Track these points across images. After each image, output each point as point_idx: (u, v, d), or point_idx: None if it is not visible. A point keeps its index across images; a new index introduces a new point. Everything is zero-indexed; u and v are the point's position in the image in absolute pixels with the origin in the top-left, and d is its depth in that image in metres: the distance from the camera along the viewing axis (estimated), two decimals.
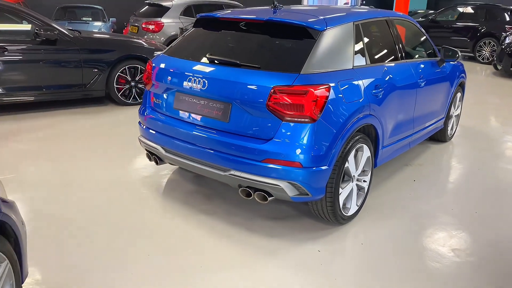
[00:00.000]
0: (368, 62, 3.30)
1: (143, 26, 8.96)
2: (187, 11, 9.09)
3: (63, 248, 2.82)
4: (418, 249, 2.96)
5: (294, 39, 2.97)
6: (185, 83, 3.02)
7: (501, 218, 3.43)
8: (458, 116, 5.36)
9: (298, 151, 2.70)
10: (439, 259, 2.85)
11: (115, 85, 6.22)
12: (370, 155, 3.27)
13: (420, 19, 14.50)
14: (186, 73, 3.04)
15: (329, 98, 2.75)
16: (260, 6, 8.12)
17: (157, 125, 3.26)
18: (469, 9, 13.27)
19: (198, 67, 3.03)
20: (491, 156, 4.84)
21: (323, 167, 2.79)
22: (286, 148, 2.70)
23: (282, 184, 2.74)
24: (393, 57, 3.69)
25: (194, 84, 2.97)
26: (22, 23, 5.87)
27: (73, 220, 3.17)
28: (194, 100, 3.03)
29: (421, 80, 3.92)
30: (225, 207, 3.41)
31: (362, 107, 3.02)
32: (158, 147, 3.26)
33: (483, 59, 12.35)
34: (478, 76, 10.56)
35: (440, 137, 5.07)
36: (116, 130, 5.31)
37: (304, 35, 2.93)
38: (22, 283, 2.14)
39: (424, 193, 3.83)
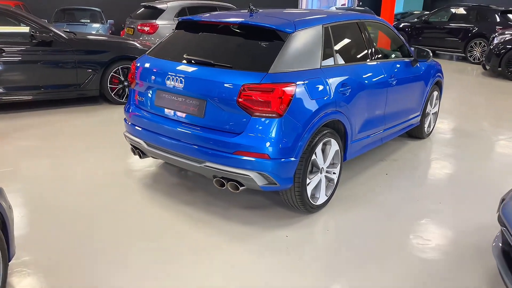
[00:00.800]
0: (337, 62, 3.54)
1: (139, 27, 9.22)
2: (182, 13, 9.33)
3: (49, 232, 3.07)
4: (381, 236, 3.20)
5: (265, 41, 3.22)
6: (164, 82, 3.27)
7: (462, 210, 3.66)
8: (435, 114, 5.59)
9: (266, 143, 2.94)
10: (402, 245, 3.08)
11: (108, 85, 6.48)
12: (338, 149, 3.51)
13: (416, 19, 14.67)
14: (165, 72, 3.28)
15: (295, 95, 2.99)
16: (246, 7, 8.32)
17: (140, 121, 3.50)
18: (461, 10, 13.49)
19: (176, 67, 3.27)
20: (464, 153, 5.07)
21: (290, 159, 3.03)
22: (255, 141, 2.95)
23: (252, 175, 2.98)
24: (363, 57, 3.93)
25: (173, 83, 3.21)
26: (19, 25, 6.13)
27: (62, 208, 3.42)
28: (173, 98, 3.28)
29: (392, 79, 4.15)
30: (205, 198, 3.65)
31: (328, 104, 3.26)
32: (141, 141, 3.50)
33: (474, 59, 12.55)
34: (467, 76, 10.79)
35: (417, 133, 5.31)
36: (109, 128, 5.56)
37: (274, 37, 3.18)
38: (9, 261, 2.39)
39: (394, 185, 4.06)
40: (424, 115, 5.15)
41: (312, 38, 3.35)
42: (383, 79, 4.01)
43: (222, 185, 3.14)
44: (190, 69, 3.20)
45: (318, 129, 3.22)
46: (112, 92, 6.54)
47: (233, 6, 10.38)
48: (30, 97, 5.97)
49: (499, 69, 10.04)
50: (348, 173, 4.26)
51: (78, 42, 6.22)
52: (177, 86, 3.19)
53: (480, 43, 12.41)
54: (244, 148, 2.95)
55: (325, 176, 3.48)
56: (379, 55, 4.26)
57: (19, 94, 5.89)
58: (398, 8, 22.01)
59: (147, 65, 3.50)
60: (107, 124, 5.73)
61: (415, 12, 19.61)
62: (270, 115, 2.93)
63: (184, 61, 3.29)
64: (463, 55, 13.00)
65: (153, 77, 3.39)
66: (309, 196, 3.29)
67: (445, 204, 3.72)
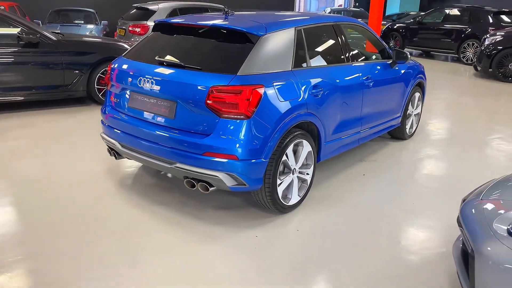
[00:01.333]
0: (309, 64, 3.58)
1: (130, 29, 9.27)
2: (173, 14, 9.38)
3: (22, 228, 3.12)
4: (352, 236, 3.23)
5: (235, 43, 3.26)
6: (137, 83, 3.31)
7: (435, 211, 3.69)
8: (418, 115, 5.62)
9: (234, 145, 2.98)
10: (372, 246, 3.11)
11: (96, 86, 6.53)
12: (311, 150, 3.55)
13: (411, 20, 14.70)
14: (138, 74, 3.33)
15: (263, 97, 3.03)
16: (245, 9, 8.37)
17: (115, 123, 3.55)
18: (454, 11, 13.53)
19: (149, 69, 3.32)
20: (445, 154, 5.11)
21: (259, 160, 3.07)
22: (224, 142, 2.99)
23: (221, 175, 3.02)
24: (338, 59, 3.97)
25: (145, 84, 3.26)
26: (7, 27, 6.18)
27: (39, 207, 3.47)
28: (146, 99, 3.32)
29: (369, 81, 4.19)
30: (179, 198, 3.69)
31: (299, 106, 3.30)
32: (116, 142, 3.55)
33: (467, 60, 12.59)
34: (459, 77, 10.82)
35: (399, 134, 5.35)
36: (94, 128, 5.58)
37: (244, 39, 3.22)
38: None
39: (370, 186, 4.10)
40: (405, 116, 5.19)
41: (283, 40, 3.39)
42: (359, 81, 4.05)
43: (193, 186, 3.18)
44: (161, 71, 3.24)
45: (289, 130, 3.26)
46: (99, 93, 6.58)
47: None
48: (21, 98, 6.04)
49: (490, 70, 10.08)
50: (325, 173, 4.30)
51: (65, 44, 6.27)
52: (149, 88, 3.23)
53: (473, 44, 12.44)
54: (213, 149, 2.99)
55: (298, 177, 3.52)
56: (356, 57, 4.30)
57: (9, 95, 5.95)
58: (395, 9, 22.09)
59: (122, 67, 3.54)
60: (92, 125, 5.77)
61: (411, 13, 19.64)
62: (238, 116, 2.97)
63: (156, 63, 3.33)
64: (456, 56, 13.04)
65: (127, 79, 3.43)
66: (280, 197, 3.33)
67: (418, 205, 3.75)
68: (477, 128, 6.29)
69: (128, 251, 2.94)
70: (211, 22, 3.39)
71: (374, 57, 4.77)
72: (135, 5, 10.07)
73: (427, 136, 5.74)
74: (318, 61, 3.73)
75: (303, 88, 3.37)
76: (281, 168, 3.33)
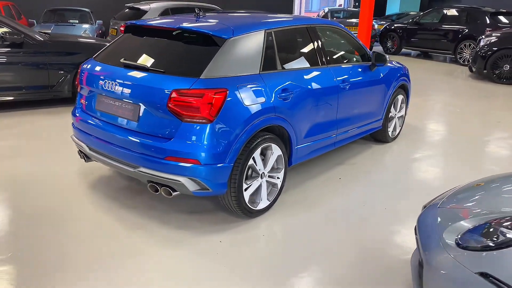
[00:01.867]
0: (279, 67, 3.53)
1: (121, 28, 9.23)
2: (164, 14, 9.36)
3: None
4: (320, 241, 3.19)
5: (201, 46, 3.23)
6: (104, 86, 3.29)
7: (407, 216, 3.64)
8: (402, 117, 5.56)
9: (196, 149, 2.95)
10: (340, 251, 3.07)
11: None
12: (281, 153, 3.51)
13: (410, 20, 14.58)
14: (105, 76, 3.30)
15: (226, 101, 3.00)
16: (240, 9, 8.33)
17: (84, 125, 3.52)
18: (452, 12, 13.42)
19: (114, 71, 3.29)
20: (428, 158, 5.04)
21: (222, 164, 3.03)
22: (185, 146, 2.95)
23: (183, 180, 2.99)
24: (311, 62, 3.92)
25: (111, 87, 3.23)
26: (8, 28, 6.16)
27: (7, 209, 3.45)
28: (111, 102, 3.29)
29: (345, 83, 4.14)
30: (149, 202, 3.66)
31: (266, 109, 3.25)
32: (84, 145, 3.52)
33: (463, 61, 12.48)
34: (453, 78, 10.73)
35: (381, 137, 5.29)
36: None
37: (210, 42, 3.18)
38: None
39: (345, 190, 4.05)
40: (387, 118, 5.13)
41: (251, 43, 3.35)
42: (333, 84, 4.00)
43: (156, 190, 3.15)
44: (126, 73, 3.22)
45: (255, 134, 3.23)
46: None
47: (217, 8, 10.39)
48: (11, 98, 6.07)
49: (485, 71, 9.98)
50: (301, 177, 4.26)
51: (49, 44, 6.26)
52: (114, 91, 3.21)
53: (470, 44, 12.33)
54: (175, 153, 2.96)
55: (267, 181, 3.48)
56: (333, 60, 4.26)
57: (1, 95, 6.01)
58: (394, 9, 21.96)
59: (90, 69, 3.52)
60: None
61: (411, 13, 19.52)
62: (200, 121, 2.94)
63: (121, 66, 3.30)
64: (453, 56, 12.94)
65: (94, 81, 3.40)
66: (247, 201, 3.29)
67: (392, 210, 3.70)
68: (466, 131, 6.22)
69: (90, 256, 2.91)
70: (178, 25, 3.35)
71: (354, 59, 4.72)
72: (127, 5, 10.05)
73: (412, 138, 5.68)
74: (289, 64, 3.69)
75: (271, 92, 3.33)
76: (249, 172, 3.30)
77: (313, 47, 3.96)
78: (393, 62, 5.25)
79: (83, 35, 10.25)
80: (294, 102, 3.54)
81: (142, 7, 9.44)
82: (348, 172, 4.48)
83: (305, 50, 3.97)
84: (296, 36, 3.95)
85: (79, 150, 3.68)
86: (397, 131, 5.52)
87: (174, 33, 3.37)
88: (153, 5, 9.46)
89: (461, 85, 9.92)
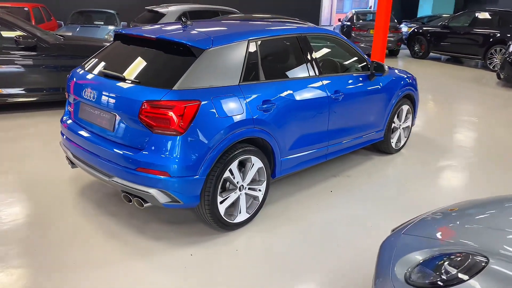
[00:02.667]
0: (261, 78, 3.45)
1: None
2: (182, 17, 9.41)
3: None
4: (293, 257, 3.09)
5: (179, 56, 3.19)
6: (84, 94, 3.31)
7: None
8: (408, 128, 5.35)
9: (166, 161, 2.92)
10: (310, 270, 2.97)
11: None
12: (262, 166, 3.43)
13: (439, 23, 14.08)
14: (87, 85, 3.33)
15: (198, 113, 2.95)
16: (257, 12, 8.19)
17: (68, 132, 3.57)
18: (483, 15, 12.87)
19: (95, 80, 3.31)
20: (430, 172, 4.82)
21: (193, 177, 2.99)
22: (155, 158, 2.93)
23: (153, 192, 2.97)
24: (300, 73, 3.82)
25: (90, 96, 3.25)
26: (13, 31, 6.38)
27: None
28: (91, 110, 3.32)
29: (338, 94, 4.01)
30: (131, 209, 3.66)
31: (243, 121, 3.18)
32: (68, 152, 3.57)
33: (493, 67, 11.94)
34: (479, 85, 10.26)
35: (384, 148, 5.11)
36: None
37: (188, 53, 3.15)
38: None
39: (334, 204, 3.92)
40: (389, 129, 4.95)
41: (232, 54, 3.29)
42: (323, 95, 3.88)
43: (130, 200, 3.15)
44: (105, 83, 3.23)
45: (232, 146, 3.17)
46: None
47: (235, 11, 10.37)
48: (34, 98, 6.29)
49: None
50: (290, 188, 4.17)
51: (60, 47, 6.42)
52: (94, 99, 3.23)
53: (501, 49, 11.78)
54: (145, 165, 2.95)
55: (247, 193, 3.41)
56: (326, 70, 4.14)
57: (17, 96, 6.22)
58: (427, 11, 21.29)
59: (76, 77, 3.56)
60: None
61: (444, 15, 18.86)
62: (170, 132, 2.91)
63: (101, 75, 3.32)
64: (482, 61, 12.41)
65: (78, 89, 3.44)
66: (222, 214, 3.24)
67: (376, 228, 3.55)
68: (480, 144, 5.92)
69: (56, 265, 2.94)
70: (158, 34, 3.33)
71: (353, 69, 4.57)
72: (147, 7, 10.19)
73: (419, 150, 5.45)
74: (274, 75, 3.60)
75: (250, 104, 3.26)
76: (226, 184, 3.25)
77: (302, 57, 3.85)
78: (397, 71, 5.06)
79: (106, 37, 10.47)
80: (277, 114, 3.45)
81: (160, 10, 9.54)
82: (341, 184, 4.34)
83: (294, 60, 3.87)
84: (284, 46, 3.85)
85: (66, 156, 3.73)
86: (402, 142, 5.31)
87: (154, 42, 3.36)
88: (171, 8, 9.55)
89: (486, 93, 9.47)
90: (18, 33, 6.23)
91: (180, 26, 3.67)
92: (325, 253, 3.18)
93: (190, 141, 2.94)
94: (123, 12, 13.53)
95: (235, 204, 3.36)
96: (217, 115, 3.05)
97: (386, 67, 4.43)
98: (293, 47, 3.86)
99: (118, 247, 3.16)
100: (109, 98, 3.14)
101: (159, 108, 2.90)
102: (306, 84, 3.78)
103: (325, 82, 3.95)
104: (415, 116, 5.48)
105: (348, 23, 14.87)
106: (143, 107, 2.92)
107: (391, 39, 14.15)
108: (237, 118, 3.16)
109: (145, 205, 3.08)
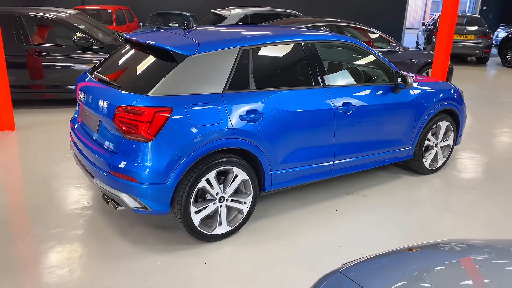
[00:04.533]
0: (251, 87, 3.30)
1: None
2: (243, 20, 9.47)
3: None
4: (261, 279, 2.92)
5: (162, 62, 3.18)
6: (82, 96, 3.44)
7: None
8: (448, 147, 4.78)
9: (134, 166, 2.92)
10: None
11: None
12: (248, 178, 3.29)
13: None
14: (83, 87, 3.46)
15: (169, 121, 2.90)
16: (318, 16, 7.94)
17: (72, 132, 3.74)
18: None
19: (90, 83, 3.43)
20: (465, 199, 4.25)
21: (161, 185, 2.95)
22: (125, 162, 2.94)
23: (123, 196, 2.99)
24: (301, 82, 3.59)
25: (85, 98, 3.37)
26: (77, 33, 6.91)
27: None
28: (86, 112, 3.44)
29: (348, 106, 3.70)
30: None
31: (221, 131, 3.07)
32: (72, 152, 3.75)
33: None
34: None
35: (415, 167, 4.63)
36: None
37: (170, 59, 3.12)
38: None
39: (331, 225, 3.63)
40: (421, 147, 4.47)
41: (218, 61, 3.19)
42: (327, 107, 3.60)
43: (107, 202, 3.21)
44: (96, 86, 3.32)
45: (207, 156, 3.07)
46: None
47: (298, 14, 10.17)
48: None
49: None
50: (293, 203, 3.94)
51: (114, 47, 6.79)
52: (86, 101, 3.34)
53: None
54: (116, 168, 2.97)
55: (230, 206, 3.29)
56: (336, 80, 3.85)
57: (60, 91, 6.73)
58: None
59: (81, 80, 3.71)
60: None
61: None
62: (138, 138, 2.90)
63: (95, 78, 3.42)
64: None
65: (80, 92, 3.58)
66: (197, 225, 3.16)
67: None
68: None
69: (30, 261, 3.09)
70: (148, 39, 3.34)
71: (376, 81, 4.19)
72: (212, 10, 10.41)
73: (462, 173, 4.85)
74: (266, 84, 3.42)
75: (232, 113, 3.13)
76: (205, 195, 3.17)
77: (306, 65, 3.61)
78: (435, 83, 4.55)
79: None
80: (265, 125, 3.28)
81: (222, 13, 9.68)
82: (352, 204, 4.00)
83: (294, 69, 3.65)
84: (285, 54, 3.65)
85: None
86: (440, 162, 4.76)
87: (144, 47, 3.38)
88: (234, 11, 9.64)
89: None
90: (78, 34, 6.72)
91: (183, 30, 3.65)
92: (295, 277, 2.95)
93: (159, 148, 2.91)
94: (199, 13, 13.99)
95: (214, 215, 3.26)
96: (190, 124, 2.98)
97: (410, 79, 3.98)
98: (296, 55, 3.63)
99: (100, 248, 3.23)
100: (95, 101, 3.22)
101: (130, 113, 2.90)
102: (305, 95, 3.54)
103: (331, 93, 3.66)
104: (460, 134, 4.88)
105: (431, 27, 13.82)
106: (117, 111, 2.94)
107: (478, 45, 12.90)
108: (215, 127, 3.05)
109: (118, 208, 3.11)
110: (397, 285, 1.79)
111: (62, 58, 6.63)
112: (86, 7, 13.12)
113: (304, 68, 3.62)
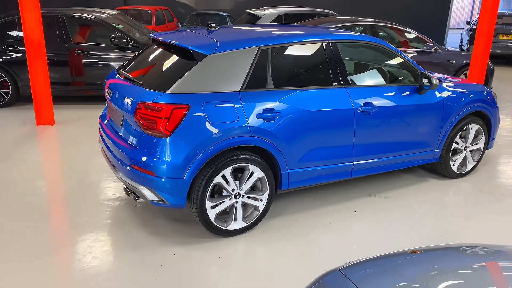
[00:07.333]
0: (269, 86, 3.35)
1: None
2: (278, 20, 9.51)
3: None
4: (274, 279, 2.97)
5: (183, 60, 3.28)
6: (108, 94, 3.62)
7: None
8: (478, 151, 4.63)
9: (152, 161, 3.04)
10: None
11: None
12: (264, 176, 3.34)
13: None
14: (111, 85, 3.63)
15: (186, 118, 3.01)
16: (356, 15, 7.90)
17: (101, 129, 3.93)
18: None
19: (117, 80, 3.59)
20: (490, 204, 4.11)
21: (178, 179, 3.06)
22: (144, 156, 3.07)
23: (142, 189, 3.12)
24: (321, 82, 3.60)
25: (111, 95, 3.54)
26: (115, 33, 7.21)
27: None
28: (113, 108, 3.61)
29: (369, 107, 3.67)
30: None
31: (237, 129, 3.14)
32: (100, 147, 3.93)
33: None
34: None
35: (442, 171, 4.52)
36: None
37: (190, 57, 3.22)
38: None
39: (348, 227, 3.61)
40: (448, 150, 4.35)
41: (237, 60, 3.25)
42: (347, 107, 3.59)
43: (129, 194, 3.35)
44: (122, 83, 3.48)
45: (223, 152, 3.15)
46: None
47: (333, 13, 10.08)
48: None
49: None
50: (312, 202, 3.96)
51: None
52: (112, 98, 3.51)
53: None
54: (136, 162, 3.11)
55: (246, 202, 3.36)
56: (359, 81, 3.83)
57: (99, 89, 7.05)
58: None
59: (109, 77, 3.89)
60: None
61: None
62: (157, 134, 3.02)
63: (121, 76, 3.57)
64: None
65: (108, 89, 3.76)
66: (212, 219, 3.24)
67: None
68: None
69: (49, 246, 3.29)
70: (171, 39, 3.46)
71: (407, 81, 4.13)
72: (248, 10, 10.51)
73: (495, 179, 4.67)
74: (285, 83, 3.46)
75: (248, 111, 3.19)
76: (222, 191, 3.26)
77: (327, 65, 3.61)
78: (466, 85, 4.42)
79: None
80: (282, 123, 3.32)
81: (257, 13, 9.76)
82: (372, 206, 3.97)
83: (314, 68, 3.66)
84: (305, 53, 3.66)
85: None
86: (469, 166, 4.61)
87: (168, 46, 3.50)
88: (268, 11, 9.69)
89: None
90: (116, 34, 7.01)
91: (207, 30, 3.74)
92: (308, 276, 2.96)
93: (176, 143, 3.01)
94: (236, 13, 14.17)
95: (230, 211, 3.34)
96: (208, 121, 3.07)
97: (435, 80, 3.90)
98: (315, 55, 3.65)
99: (118, 234, 3.39)
100: (121, 98, 3.37)
101: (149, 109, 3.03)
102: (323, 95, 3.54)
103: (352, 93, 3.65)
104: (492, 138, 4.71)
105: (475, 27, 13.29)
106: (138, 107, 3.08)
107: None
108: (231, 125, 3.12)
109: (137, 200, 3.25)
110: (393, 286, 1.79)
111: (101, 57, 6.93)
112: (128, 8, 13.60)
113: (323, 68, 3.63)
